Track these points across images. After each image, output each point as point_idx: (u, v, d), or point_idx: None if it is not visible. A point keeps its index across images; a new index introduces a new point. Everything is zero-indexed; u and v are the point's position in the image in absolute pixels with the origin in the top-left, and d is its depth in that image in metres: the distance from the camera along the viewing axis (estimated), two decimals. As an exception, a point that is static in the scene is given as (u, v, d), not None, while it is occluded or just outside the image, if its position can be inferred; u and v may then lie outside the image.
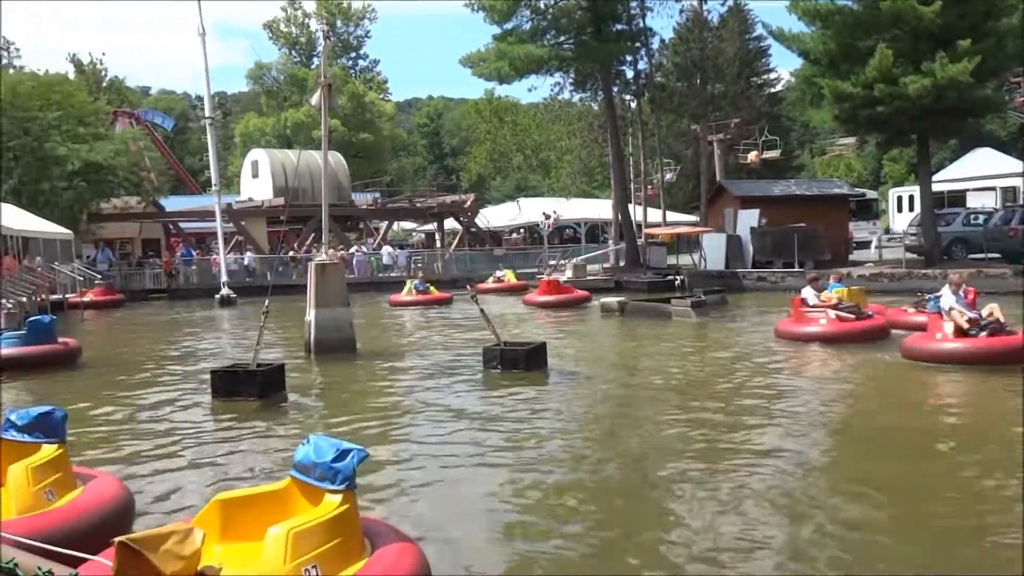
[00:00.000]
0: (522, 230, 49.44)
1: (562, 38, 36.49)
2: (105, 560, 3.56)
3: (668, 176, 43.44)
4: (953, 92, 24.64)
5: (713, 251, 33.03)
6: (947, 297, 13.04)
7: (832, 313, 15.61)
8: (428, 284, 29.44)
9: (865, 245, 37.40)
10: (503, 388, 12.28)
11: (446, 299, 28.26)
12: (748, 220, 32.56)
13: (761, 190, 35.67)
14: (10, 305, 18.88)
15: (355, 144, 62.99)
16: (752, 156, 44.22)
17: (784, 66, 78.07)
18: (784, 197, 34.39)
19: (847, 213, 35.88)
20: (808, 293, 16.29)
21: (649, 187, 43.15)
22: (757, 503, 6.70)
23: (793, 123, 74.98)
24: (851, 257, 33.32)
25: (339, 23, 72.39)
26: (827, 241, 30.81)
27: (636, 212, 40.82)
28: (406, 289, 28.89)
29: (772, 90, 62.36)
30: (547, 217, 45.25)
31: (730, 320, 21.13)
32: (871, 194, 48.75)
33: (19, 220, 28.56)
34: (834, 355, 14.29)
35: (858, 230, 39.42)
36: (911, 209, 39.36)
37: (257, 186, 45.54)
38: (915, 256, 29.33)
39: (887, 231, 41.19)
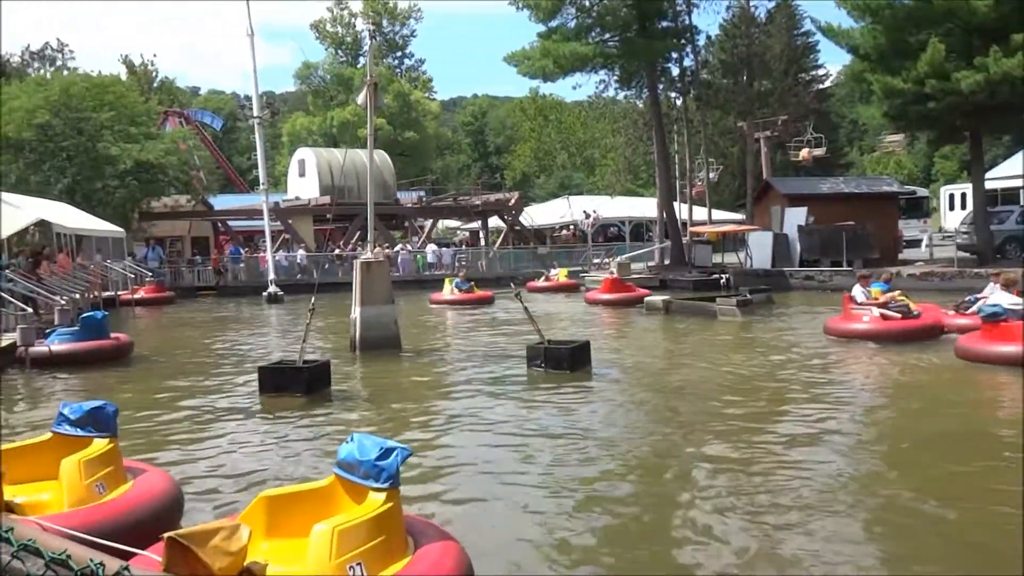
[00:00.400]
0: (572, 227, 49.17)
1: (607, 35, 36.34)
2: (154, 555, 3.62)
3: (711, 175, 43.01)
4: (1007, 87, 24.09)
5: (759, 250, 32.68)
6: (999, 295, 12.77)
7: (876, 311, 15.46)
8: (470, 282, 29.17)
9: (915, 244, 36.79)
10: (546, 386, 12.27)
11: (488, 298, 27.99)
12: (795, 218, 32.17)
13: (809, 188, 35.22)
14: (64, 302, 19.26)
15: (400, 143, 63.36)
16: (804, 153, 43.66)
17: (833, 62, 77.15)
18: (832, 195, 33.92)
19: (897, 211, 35.31)
20: (857, 291, 16.20)
21: (696, 185, 42.83)
22: (814, 512, 6.62)
23: (842, 120, 74.00)
24: (901, 256, 32.79)
25: (385, 23, 72.89)
26: (876, 240, 30.34)
27: (681, 210, 40.57)
28: (447, 288, 28.65)
29: (820, 86, 61.52)
30: (587, 216, 45.14)
31: (777, 319, 20.89)
32: (922, 192, 47.89)
33: (73, 218, 29.11)
34: (881, 354, 14.10)
35: (908, 228, 38.79)
36: (963, 207, 38.61)
37: (304, 185, 46.00)
38: (967, 255, 28.77)
39: (939, 230, 40.45)
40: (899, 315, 15.42)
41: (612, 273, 29.18)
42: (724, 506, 6.68)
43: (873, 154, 76.34)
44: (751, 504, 6.70)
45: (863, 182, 39.85)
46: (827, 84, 63.00)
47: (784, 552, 5.75)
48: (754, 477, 7.45)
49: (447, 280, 29.48)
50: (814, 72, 61.64)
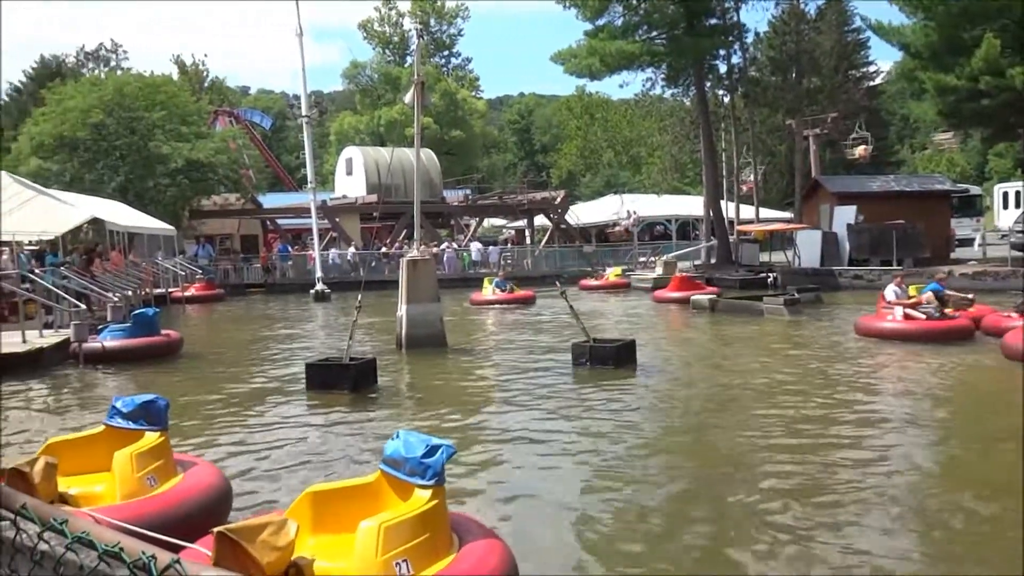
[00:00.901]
0: (622, 223, 48.64)
1: (654, 33, 36.18)
2: (203, 548, 3.67)
3: (758, 173, 42.51)
4: (1063, 84, 23.57)
5: (808, 248, 32.29)
6: None
7: (899, 312, 15.34)
8: (510, 283, 28.30)
9: (968, 243, 36.09)
10: (592, 384, 12.24)
11: (529, 297, 27.18)
12: (845, 217, 31.75)
13: (858, 186, 34.73)
14: (116, 299, 19.61)
15: (447, 141, 63.57)
16: (860, 151, 42.96)
17: (884, 58, 75.72)
18: (882, 193, 33.41)
19: (948, 210, 34.68)
20: (889, 290, 16.15)
21: (746, 182, 42.41)
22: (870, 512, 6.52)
23: (892, 117, 72.79)
24: (952, 255, 32.20)
25: (432, 22, 73.14)
26: (927, 239, 29.83)
27: (728, 209, 40.21)
28: (487, 288, 27.85)
29: (871, 83, 60.48)
30: (628, 216, 44.93)
31: (825, 319, 20.61)
32: (975, 190, 46.96)
33: (125, 216, 29.63)
34: (914, 354, 13.93)
35: (960, 227, 38.09)
36: (1017, 205, 37.84)
37: (351, 183, 46.36)
38: (1022, 254, 28.15)
39: (993, 228, 39.63)
40: (923, 316, 15.26)
41: (681, 272, 28.59)
42: (774, 508, 6.60)
43: (924, 152, 75.00)
44: (801, 504, 6.61)
45: (914, 180, 39.20)
46: (878, 81, 61.92)
47: (835, 552, 5.67)
48: (803, 477, 7.36)
49: (486, 280, 28.90)
50: (864, 69, 60.63)
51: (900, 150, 72.45)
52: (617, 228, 49.80)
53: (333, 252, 38.67)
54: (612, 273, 33.78)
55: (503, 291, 27.28)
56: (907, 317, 15.34)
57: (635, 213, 45.70)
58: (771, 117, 49.75)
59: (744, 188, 42.95)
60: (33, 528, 1.89)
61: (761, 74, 47.68)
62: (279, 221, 44.90)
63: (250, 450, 8.87)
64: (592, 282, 33.26)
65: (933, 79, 25.85)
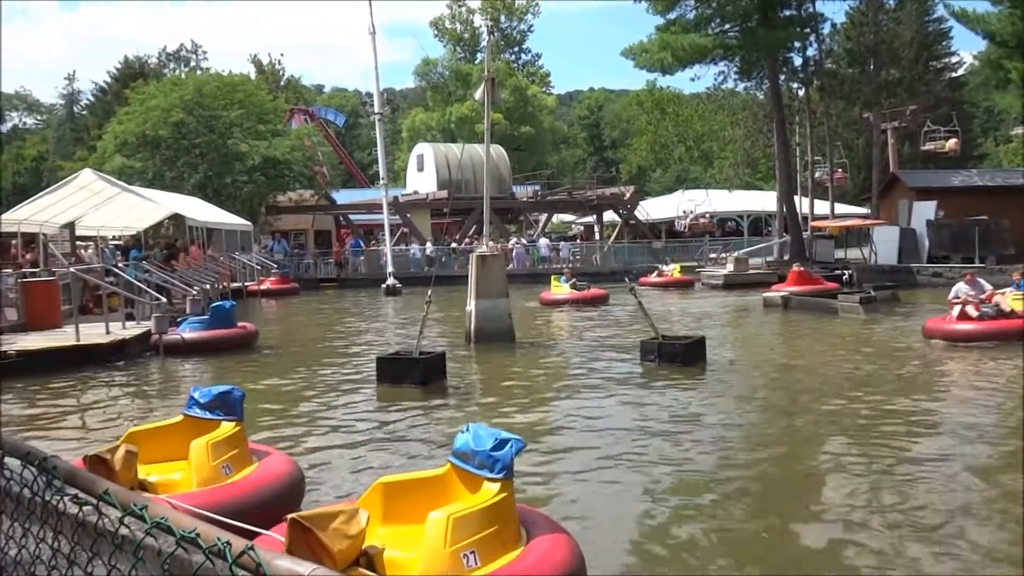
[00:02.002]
0: (708, 215, 47.73)
1: (727, 26, 35.68)
2: (276, 535, 3.75)
3: (820, 173, 41.48)
4: None
5: (885, 245, 31.55)
6: None
7: (956, 311, 14.86)
8: (581, 281, 26.94)
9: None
10: (659, 382, 12.15)
11: (602, 296, 25.57)
12: (924, 212, 30.93)
13: (939, 181, 33.81)
14: (195, 292, 20.09)
15: (516, 137, 63.61)
16: (951, 144, 41.86)
17: (966, 48, 73.29)
18: (964, 188, 32.46)
19: (1035, 205, 33.49)
20: (956, 288, 15.58)
21: (838, 172, 41.46)
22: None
23: (976, 109, 70.52)
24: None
25: (503, 18, 73.23)
26: (1012, 235, 28.84)
27: (802, 204, 39.46)
28: (555, 286, 26.48)
29: (953, 74, 58.57)
30: (685, 215, 44.33)
31: (901, 318, 20.08)
32: (1064, 184, 45.22)
33: (204, 212, 30.34)
34: (989, 356, 13.46)
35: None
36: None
37: (422, 179, 46.72)
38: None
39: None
40: (975, 315, 14.70)
41: (799, 267, 27.41)
42: (845, 510, 6.48)
43: (1009, 145, 72.50)
44: (873, 507, 6.48)
45: (998, 174, 37.95)
46: (960, 72, 59.95)
47: (908, 552, 5.55)
48: (874, 476, 7.21)
49: (554, 279, 27.43)
50: (946, 60, 58.73)
51: (984, 143, 70.12)
52: (702, 220, 49.04)
53: (414, 247, 39.02)
54: (675, 270, 33.21)
55: (581, 290, 25.64)
56: (963, 317, 14.77)
57: (694, 211, 45.18)
58: (847, 110, 48.60)
59: (837, 176, 42.00)
60: (114, 513, 1.96)
61: (838, 66, 46.62)
62: (351, 217, 45.47)
63: (322, 440, 9.02)
64: (654, 278, 32.64)
65: (1019, 69, 24.99)
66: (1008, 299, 15.04)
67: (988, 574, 5.32)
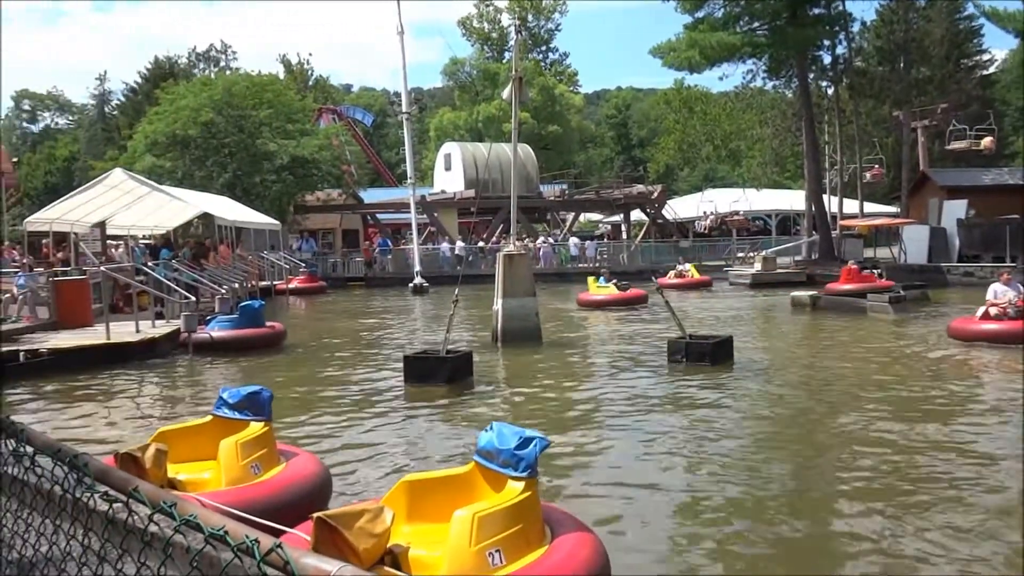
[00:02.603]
0: (742, 212, 47.23)
1: (756, 24, 35.44)
2: (302, 533, 3.78)
3: (866, 168, 41.08)
4: None
5: (915, 244, 31.23)
6: None
7: (979, 311, 14.66)
8: (622, 281, 25.77)
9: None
10: (687, 381, 12.11)
11: (640, 297, 24.34)
12: (955, 211, 30.58)
13: (969, 179, 33.44)
14: (224, 291, 20.24)
15: (544, 136, 63.55)
16: (987, 142, 41.36)
17: (998, 46, 72.08)
18: (995, 187, 32.08)
19: (1069, 204, 33.02)
20: (991, 290, 15.23)
21: (870, 170, 41.05)
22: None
23: (1007, 107, 69.59)
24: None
25: (530, 18, 73.18)
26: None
27: (831, 203, 39.12)
28: (596, 287, 25.38)
29: (984, 72, 57.79)
30: (705, 215, 43.98)
31: (931, 318, 19.82)
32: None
33: (233, 211, 30.55)
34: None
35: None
36: None
37: (449, 178, 46.77)
38: None
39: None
40: (1007, 316, 14.41)
41: (851, 264, 26.85)
42: (871, 509, 6.43)
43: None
44: (898, 508, 6.43)
45: (1031, 173, 37.45)
46: (991, 70, 59.11)
47: (927, 554, 5.50)
48: (899, 481, 7.16)
49: (591, 280, 26.28)
50: (977, 58, 57.95)
51: (1015, 141, 69.07)
52: (737, 217, 48.75)
53: (444, 246, 39.08)
54: (691, 270, 31.84)
55: (623, 290, 24.55)
56: (986, 317, 14.56)
57: (713, 213, 44.94)
58: (877, 109, 48.11)
59: (868, 176, 41.61)
60: (144, 510, 1.99)
61: (867, 64, 46.13)
62: (379, 216, 45.60)
63: (349, 439, 9.07)
64: (671, 279, 30.65)
65: (1052, 67, 24.68)
66: None
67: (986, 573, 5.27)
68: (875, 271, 26.90)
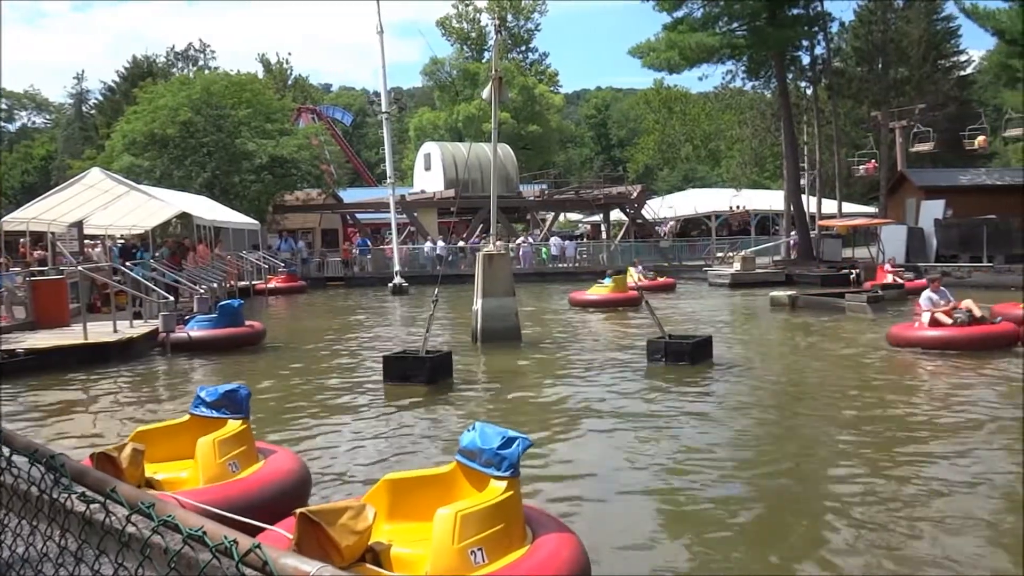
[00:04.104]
0: (742, 207, 47.25)
1: (735, 25, 35.60)
2: (282, 530, 3.76)
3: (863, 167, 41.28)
4: None
5: (893, 244, 31.47)
6: None
7: (926, 317, 14.20)
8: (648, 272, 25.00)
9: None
10: (666, 381, 12.15)
11: (635, 298, 22.10)
12: (932, 211, 30.87)
13: (947, 179, 33.77)
14: (203, 290, 20.13)
15: (524, 136, 63.59)
16: (980, 140, 41.75)
17: (975, 47, 72.88)
18: (972, 187, 32.44)
19: (1045, 204, 33.40)
20: (924, 296, 14.72)
21: (871, 163, 41.30)
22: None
23: (984, 107, 70.32)
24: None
25: (510, 18, 73.21)
26: (1020, 234, 28.76)
27: (810, 203, 39.38)
28: (633, 276, 24.24)
29: (961, 73, 58.33)
30: (664, 221, 44.12)
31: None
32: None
33: (212, 211, 30.39)
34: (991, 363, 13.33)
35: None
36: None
37: (429, 178, 46.74)
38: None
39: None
40: (951, 322, 14.03)
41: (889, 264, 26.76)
42: (845, 512, 6.47)
43: (1018, 143, 72.20)
44: (871, 510, 6.48)
45: (1007, 173, 37.89)
46: (969, 70, 59.68)
47: (904, 558, 5.54)
48: (874, 479, 7.21)
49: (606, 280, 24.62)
50: (955, 58, 58.50)
51: (993, 141, 69.82)
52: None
53: (427, 245, 39.00)
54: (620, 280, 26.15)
55: (649, 279, 23.95)
56: (935, 323, 14.18)
57: (672, 223, 45.32)
58: (855, 109, 48.49)
59: (862, 170, 41.90)
60: (121, 511, 1.97)
61: (846, 65, 46.47)
62: (358, 216, 45.50)
63: (328, 438, 9.04)
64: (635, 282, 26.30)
65: (1029, 68, 24.94)
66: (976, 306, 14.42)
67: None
68: (853, 271, 26.99)
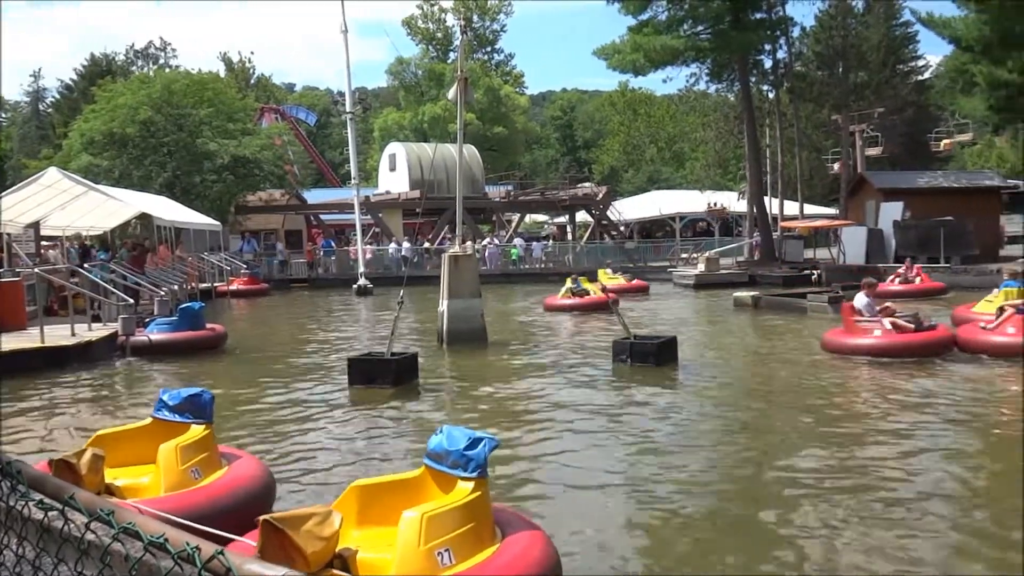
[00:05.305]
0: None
1: (699, 28, 35.88)
2: (249, 540, 3.70)
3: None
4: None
5: (853, 245, 31.89)
6: None
7: (887, 323, 13.63)
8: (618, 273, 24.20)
9: (1019, 240, 35.45)
10: (631, 381, 12.19)
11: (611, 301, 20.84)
12: (891, 213, 31.31)
13: (905, 182, 34.29)
14: (163, 293, 19.89)
15: (489, 137, 63.63)
16: (947, 142, 42.14)
17: (933, 52, 74.04)
18: (930, 189, 32.95)
19: (999, 206, 34.05)
20: (860, 301, 14.10)
21: (838, 162, 41.74)
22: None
23: (941, 112, 71.58)
24: (1002, 252, 31.59)
25: (476, 18, 73.20)
26: (976, 236, 29.28)
27: (772, 205, 39.79)
28: (564, 290, 23.46)
29: (919, 78, 59.39)
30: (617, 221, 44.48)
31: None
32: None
33: (172, 212, 30.07)
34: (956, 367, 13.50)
35: (1011, 224, 37.40)
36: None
37: (394, 179, 46.60)
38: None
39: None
40: (912, 326, 13.57)
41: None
42: (805, 508, 6.53)
43: (975, 147, 73.55)
44: (831, 507, 6.53)
45: (963, 176, 38.57)
46: (926, 75, 60.74)
47: (856, 555, 5.59)
48: (833, 479, 7.28)
49: (569, 280, 23.98)
50: (913, 63, 59.53)
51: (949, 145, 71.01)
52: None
53: (392, 246, 38.82)
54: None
55: (577, 294, 22.63)
56: (896, 328, 13.52)
57: (624, 228, 45.83)
58: (816, 112, 49.14)
59: (836, 167, 42.38)
60: (80, 518, 1.91)
61: (807, 69, 47.06)
62: (323, 217, 45.26)
63: (293, 444, 8.94)
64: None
65: (984, 73, 25.35)
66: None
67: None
68: (814, 272, 27.32)
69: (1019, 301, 13.96)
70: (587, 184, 50.26)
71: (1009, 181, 41.87)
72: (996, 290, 16.01)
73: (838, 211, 41.92)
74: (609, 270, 28.64)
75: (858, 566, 5.43)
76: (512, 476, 7.53)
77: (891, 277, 25.19)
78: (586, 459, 8.10)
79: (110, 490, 5.35)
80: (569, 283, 23.73)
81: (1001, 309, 13.82)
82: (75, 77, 65.88)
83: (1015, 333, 12.95)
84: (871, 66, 51.30)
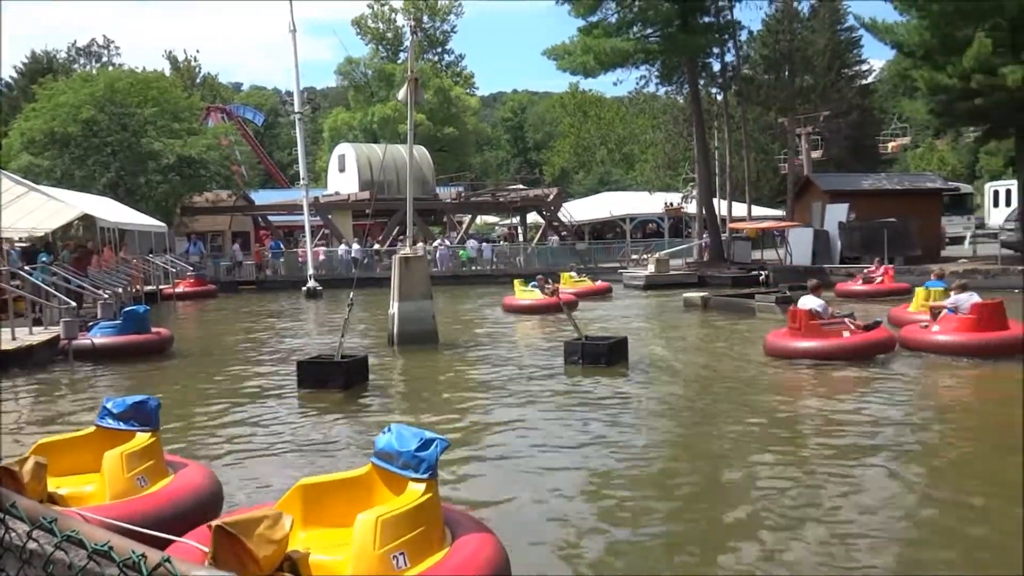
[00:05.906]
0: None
1: (648, 31, 36.19)
2: (192, 541, 3.65)
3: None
4: (1054, 83, 23.63)
5: (799, 246, 32.38)
6: None
7: (850, 323, 13.70)
8: (549, 281, 23.11)
9: (959, 241, 36.27)
10: (582, 382, 12.25)
11: (571, 302, 21.07)
12: (837, 215, 31.85)
13: (850, 184, 34.89)
14: (107, 295, 19.52)
15: (440, 138, 63.49)
16: (894, 144, 42.67)
17: (876, 57, 75.66)
18: (874, 191, 33.57)
19: (940, 208, 34.82)
20: (814, 303, 13.80)
21: (796, 160, 42.20)
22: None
23: (884, 115, 73.07)
24: (943, 253, 32.32)
25: (426, 19, 73.01)
26: (918, 236, 29.92)
27: (720, 206, 40.26)
28: (521, 290, 23.47)
29: (863, 82, 60.59)
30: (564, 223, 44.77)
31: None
32: (966, 188, 47.18)
33: (116, 213, 29.53)
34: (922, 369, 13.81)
35: (951, 225, 38.27)
36: (1008, 204, 37.93)
37: (344, 180, 46.27)
38: (1011, 252, 28.28)
39: (980, 226, 39.70)
40: (862, 328, 13.63)
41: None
42: (755, 507, 6.61)
43: (916, 150, 75.17)
44: (777, 505, 6.63)
45: (906, 178, 39.37)
46: (870, 79, 61.98)
47: (801, 552, 5.68)
48: (782, 478, 7.38)
49: (517, 283, 24.27)
50: (857, 67, 60.70)
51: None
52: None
53: (342, 248, 38.49)
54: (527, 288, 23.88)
55: (547, 295, 21.87)
56: (863, 328, 13.57)
57: (571, 219, 46.27)
58: (764, 115, 49.87)
59: (796, 161, 42.90)
60: (22, 527, 1.87)
61: (754, 72, 47.71)
62: (271, 218, 44.78)
63: (241, 449, 8.83)
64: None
65: (925, 77, 25.91)
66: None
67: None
68: (762, 273, 27.66)
69: (946, 301, 14.35)
70: (520, 185, 50.35)
71: (950, 183, 42.95)
72: (918, 289, 16.57)
73: (785, 213, 42.53)
74: (573, 273, 29.08)
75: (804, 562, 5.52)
76: (461, 476, 7.53)
77: (857, 277, 25.51)
78: (536, 459, 8.12)
79: (53, 499, 5.23)
80: (519, 284, 23.98)
81: (935, 311, 14.21)
82: (14, 75, 64.38)
83: (955, 329, 13.44)
84: (817, 70, 52.20)
